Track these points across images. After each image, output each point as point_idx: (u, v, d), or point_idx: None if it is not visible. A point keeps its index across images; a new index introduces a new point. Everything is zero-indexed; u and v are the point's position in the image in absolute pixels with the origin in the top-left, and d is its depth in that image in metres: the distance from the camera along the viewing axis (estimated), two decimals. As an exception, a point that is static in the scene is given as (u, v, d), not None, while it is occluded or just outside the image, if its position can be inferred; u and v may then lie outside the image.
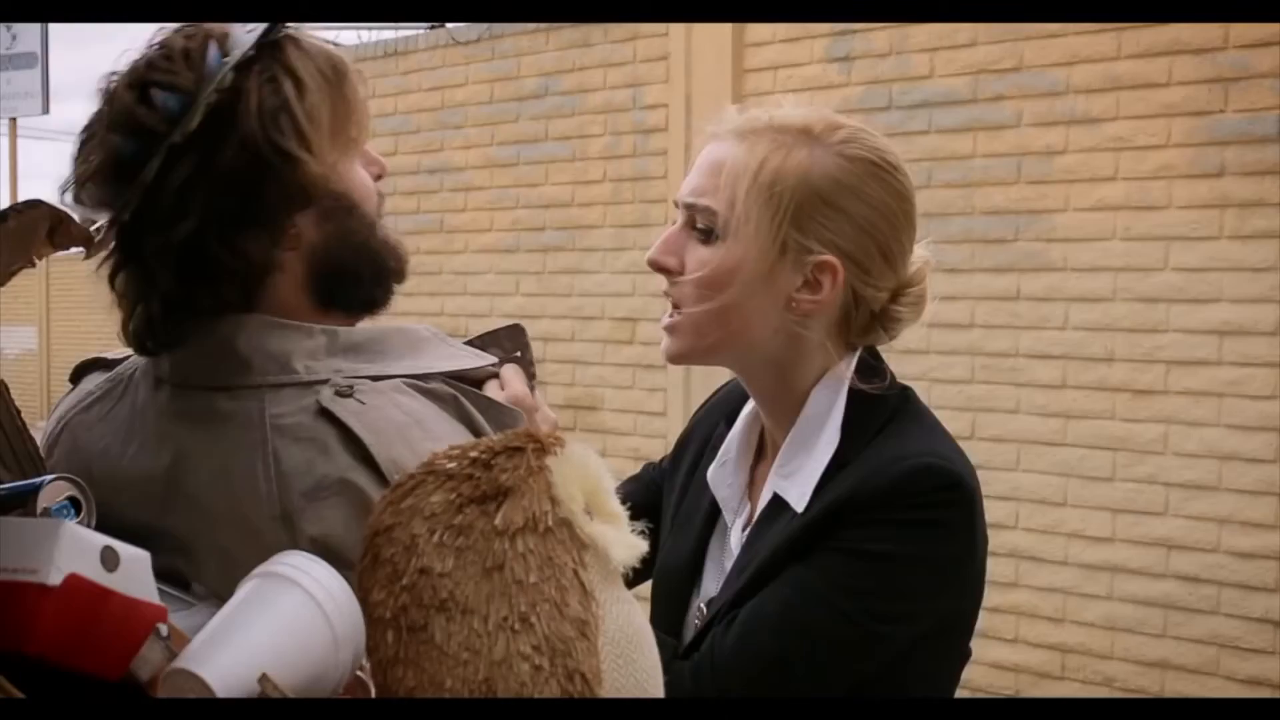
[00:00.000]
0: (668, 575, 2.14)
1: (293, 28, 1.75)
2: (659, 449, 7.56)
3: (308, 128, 1.70)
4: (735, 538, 2.06)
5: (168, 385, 1.78)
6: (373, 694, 1.43)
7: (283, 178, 1.69)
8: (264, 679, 1.29)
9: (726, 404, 2.23)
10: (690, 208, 1.97)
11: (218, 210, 1.67)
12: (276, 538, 1.58)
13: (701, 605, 2.06)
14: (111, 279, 1.77)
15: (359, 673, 1.42)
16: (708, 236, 1.95)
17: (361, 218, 1.80)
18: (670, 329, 2.01)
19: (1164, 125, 6.10)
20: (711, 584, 2.07)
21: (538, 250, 8.73)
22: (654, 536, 1.89)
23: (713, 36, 7.71)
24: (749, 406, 2.13)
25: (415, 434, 1.68)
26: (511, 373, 1.85)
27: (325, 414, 1.68)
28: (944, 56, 6.81)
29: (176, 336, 1.76)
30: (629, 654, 1.45)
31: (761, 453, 2.12)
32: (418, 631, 1.40)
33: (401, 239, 1.91)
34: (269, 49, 1.71)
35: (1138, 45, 6.14)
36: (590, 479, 1.48)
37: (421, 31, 9.42)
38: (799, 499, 1.93)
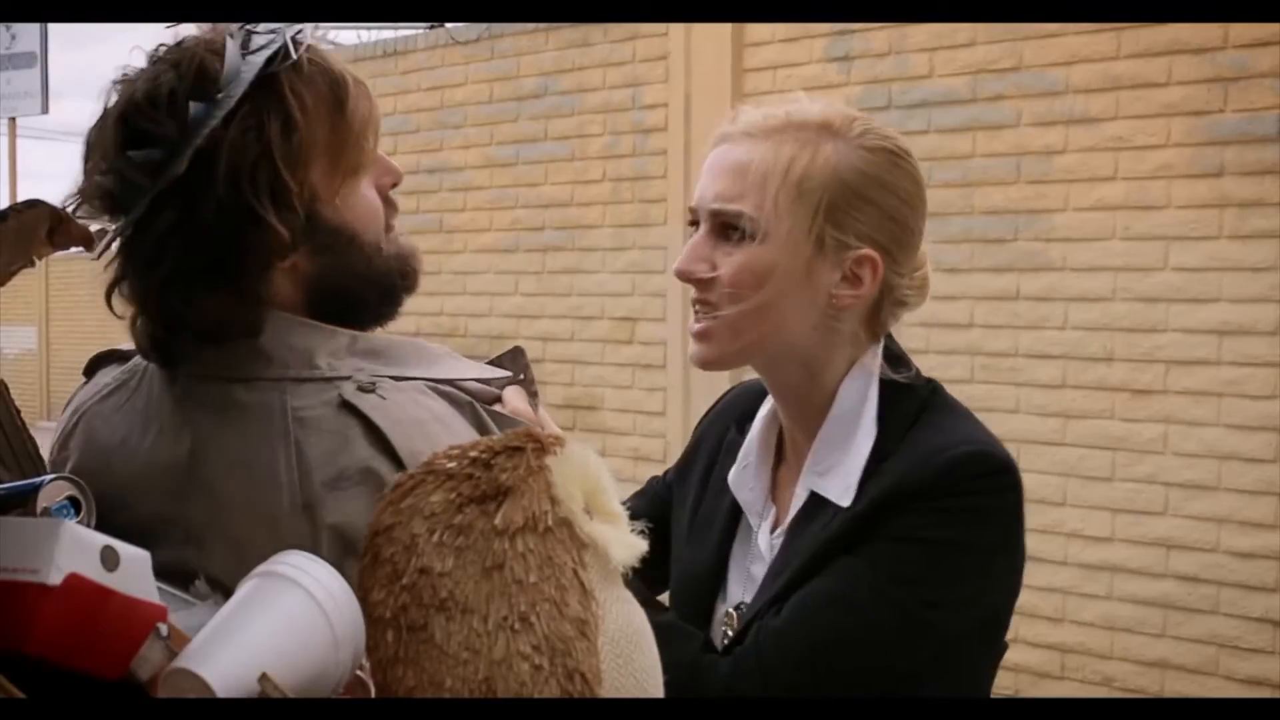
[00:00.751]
0: (688, 583, 2.11)
1: (306, 37, 1.73)
2: (658, 448, 7.56)
3: (289, 175, 1.69)
4: (764, 541, 2.04)
5: (184, 375, 1.78)
6: (372, 693, 1.43)
7: (255, 239, 1.68)
8: (264, 678, 1.29)
9: (735, 409, 2.22)
10: (718, 214, 1.95)
11: (188, 265, 1.68)
12: (296, 527, 1.60)
13: (729, 610, 2.04)
14: (108, 294, 1.78)
15: (359, 672, 1.42)
16: (739, 240, 1.93)
17: (361, 247, 1.80)
18: (703, 334, 1.98)
19: (1163, 125, 6.11)
20: (737, 589, 2.05)
21: (537, 250, 8.73)
22: (659, 546, 1.86)
23: (712, 36, 7.71)
24: (766, 408, 2.11)
25: (436, 429, 1.68)
26: (513, 393, 1.84)
27: (347, 407, 1.68)
28: (943, 56, 6.81)
29: (174, 359, 1.77)
30: (628, 653, 1.45)
31: (780, 454, 2.10)
32: (417, 631, 1.40)
33: (414, 245, 1.90)
34: (265, 81, 1.69)
35: (1137, 45, 6.14)
36: (590, 479, 1.48)
37: (420, 31, 9.43)
38: (843, 494, 1.92)
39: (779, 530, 2.03)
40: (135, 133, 1.68)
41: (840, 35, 7.17)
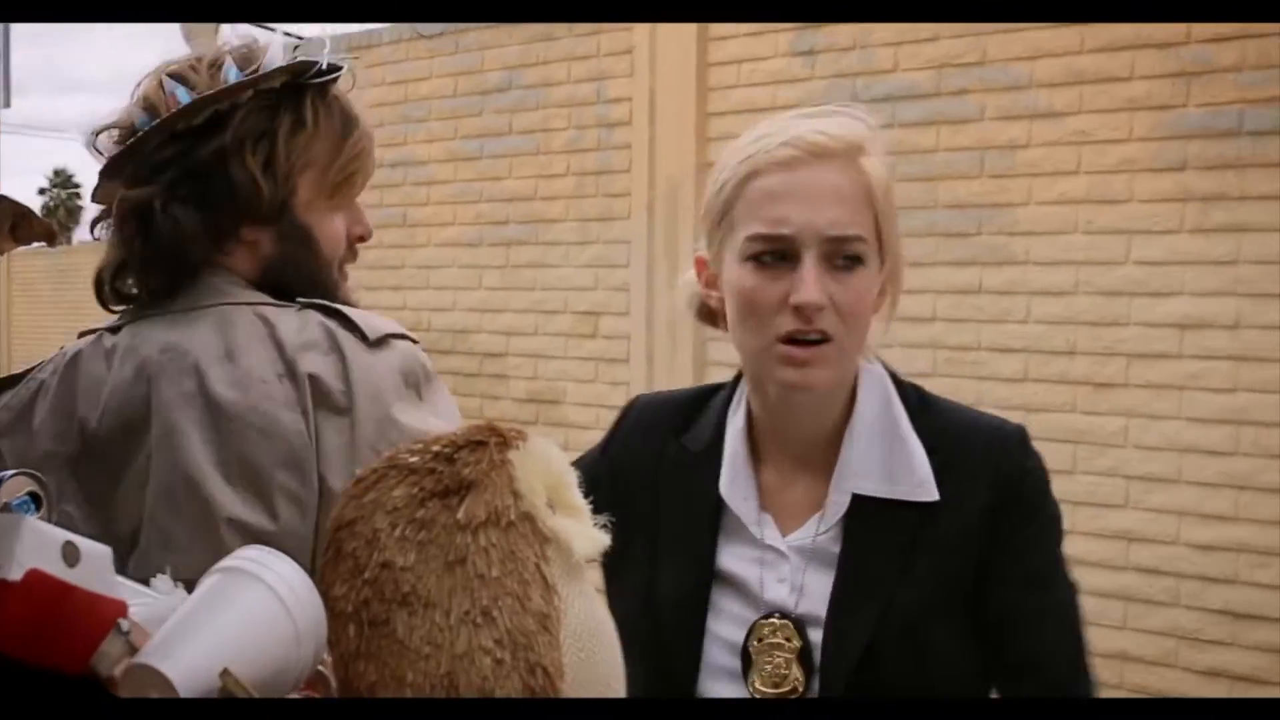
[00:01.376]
0: (674, 601, 2.06)
1: (342, 73, 2.05)
2: (623, 443, 7.55)
3: (283, 159, 1.97)
4: (781, 546, 2.02)
5: (130, 326, 1.97)
6: (334, 688, 1.43)
7: (240, 188, 1.95)
8: (225, 674, 1.29)
9: (655, 424, 2.17)
10: (835, 241, 1.93)
11: (174, 187, 1.94)
12: (285, 389, 1.86)
13: (764, 618, 2.00)
14: (92, 226, 2.05)
15: (320, 667, 1.42)
16: (847, 265, 1.93)
17: (316, 253, 2.03)
18: (817, 361, 1.95)
19: (1126, 119, 6.13)
20: (747, 600, 2.02)
21: (501, 244, 8.72)
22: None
23: (677, 31, 7.71)
24: (740, 418, 2.09)
25: (391, 323, 1.97)
26: None
27: (311, 305, 1.95)
28: (907, 50, 6.82)
29: (125, 296, 2.02)
30: (591, 647, 1.45)
31: (755, 460, 2.08)
32: (379, 625, 1.40)
33: (358, 301, 2.09)
34: (294, 88, 1.98)
35: (1100, 40, 6.16)
36: (552, 473, 1.49)
37: (385, 26, 9.40)
38: (916, 489, 1.98)
39: (797, 535, 2.03)
40: (176, 76, 1.97)
41: (805, 30, 7.18)
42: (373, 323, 1.95)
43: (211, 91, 1.94)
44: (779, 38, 7.32)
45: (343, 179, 2.07)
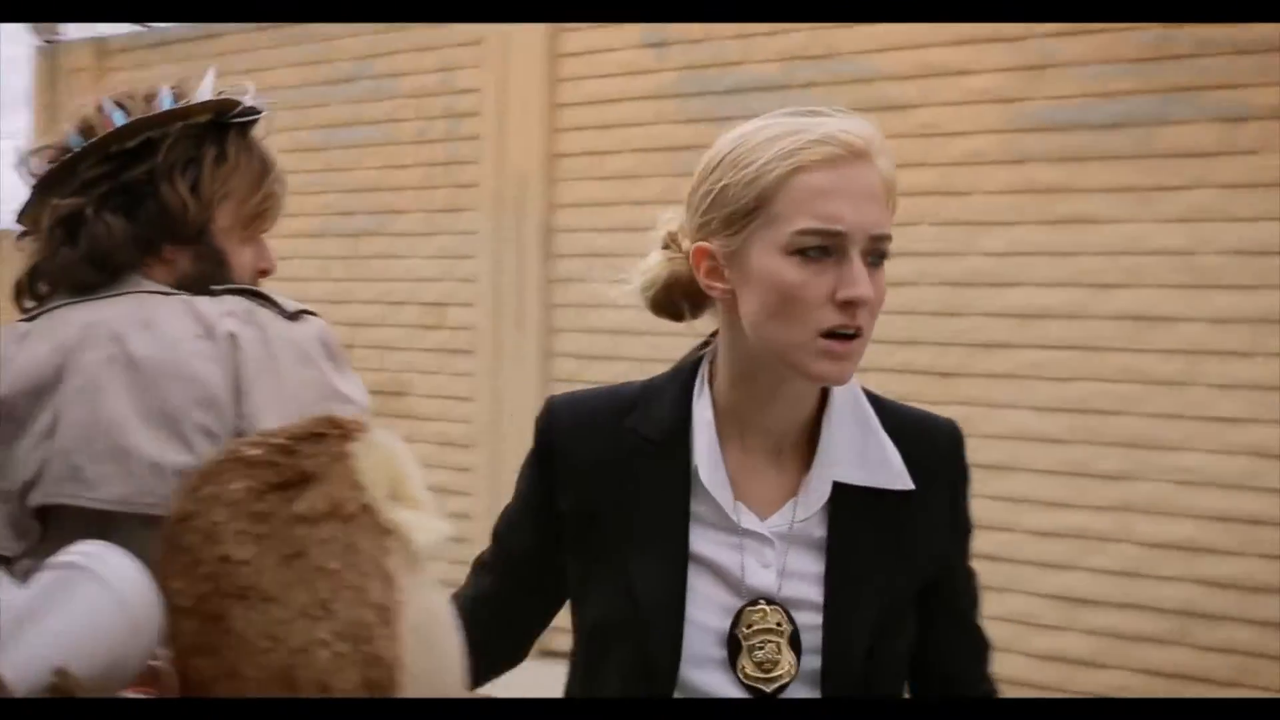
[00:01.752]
0: (645, 598, 2.04)
1: (262, 117, 2.30)
2: (465, 434, 7.53)
3: (207, 185, 2.14)
4: (765, 530, 2.04)
5: (48, 312, 2.07)
6: (170, 682, 1.42)
7: (168, 207, 2.10)
8: (60, 673, 1.27)
9: (602, 417, 2.14)
10: (877, 239, 1.98)
11: (106, 199, 2.09)
12: (199, 345, 1.96)
13: (757, 605, 2.02)
14: (18, 239, 2.17)
15: (154, 662, 1.41)
16: (877, 261, 1.98)
17: (228, 277, 2.16)
18: (853, 355, 1.98)
19: (972, 112, 6.21)
20: (728, 585, 2.04)
21: (348, 235, 8.66)
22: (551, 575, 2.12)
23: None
24: (707, 408, 2.08)
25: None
26: None
27: (226, 290, 2.08)
28: (756, 43, 6.86)
29: (43, 296, 2.12)
30: (431, 639, 1.45)
31: (722, 448, 2.08)
32: (218, 620, 1.39)
33: None
34: (218, 126, 2.20)
35: (947, 33, 6.23)
36: (395, 465, 1.49)
37: (230, 13, 9.29)
38: (894, 479, 2.08)
39: (773, 521, 2.05)
40: (114, 104, 2.13)
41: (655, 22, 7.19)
42: (288, 301, 2.10)
43: (146, 116, 2.12)
44: (629, 29, 7.32)
45: (257, 213, 2.26)
